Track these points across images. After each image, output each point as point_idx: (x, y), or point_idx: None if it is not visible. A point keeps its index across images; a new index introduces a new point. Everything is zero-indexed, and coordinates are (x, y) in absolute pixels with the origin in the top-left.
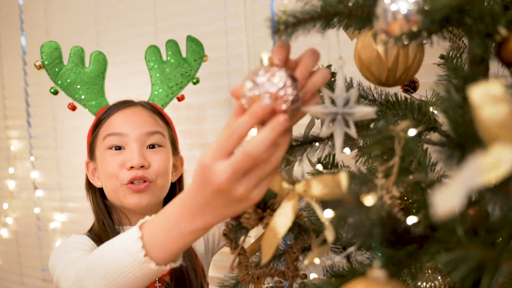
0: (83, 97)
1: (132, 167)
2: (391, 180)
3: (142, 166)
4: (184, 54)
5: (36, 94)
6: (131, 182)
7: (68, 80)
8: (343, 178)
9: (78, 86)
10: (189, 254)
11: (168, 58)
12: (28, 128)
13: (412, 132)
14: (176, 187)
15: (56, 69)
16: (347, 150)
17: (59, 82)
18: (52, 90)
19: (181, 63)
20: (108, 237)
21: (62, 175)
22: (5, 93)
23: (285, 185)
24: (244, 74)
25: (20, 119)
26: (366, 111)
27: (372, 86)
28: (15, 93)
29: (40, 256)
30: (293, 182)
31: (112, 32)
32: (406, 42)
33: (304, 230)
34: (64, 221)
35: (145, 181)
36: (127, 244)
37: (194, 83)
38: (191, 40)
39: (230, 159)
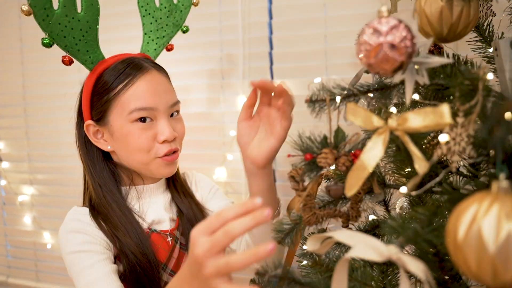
0: (78, 49)
1: (164, 141)
2: (472, 118)
3: (174, 139)
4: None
5: (3, 60)
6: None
7: (62, 30)
8: (445, 109)
9: (73, 37)
10: (200, 210)
11: (161, 4)
12: None
13: (490, 75)
14: None
15: (47, 15)
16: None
17: (51, 31)
18: (45, 41)
19: (173, 11)
20: (107, 205)
21: (32, 146)
22: None
23: (376, 120)
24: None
25: None
26: (440, 60)
27: None
28: None
29: (5, 232)
30: (385, 117)
31: None
32: None
33: None
34: (33, 194)
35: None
36: None
37: (184, 32)
38: None
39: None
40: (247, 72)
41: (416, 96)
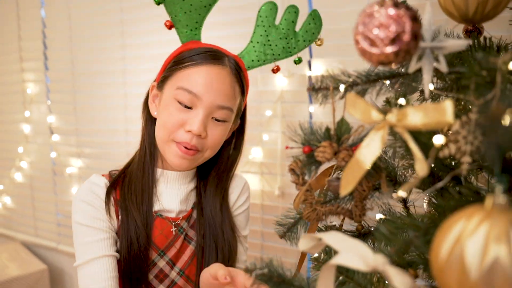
0: (180, 20)
1: (189, 131)
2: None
3: (199, 135)
4: (298, 27)
5: (54, 37)
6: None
7: None
8: (448, 106)
9: (181, 7)
10: (227, 212)
11: (281, 24)
12: (45, 71)
13: None
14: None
15: None
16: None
17: None
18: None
19: (290, 36)
20: (137, 172)
21: (79, 120)
22: (21, 34)
23: (375, 114)
24: None
25: (37, 61)
26: (458, 44)
27: None
28: (32, 34)
29: (55, 201)
30: (384, 111)
31: None
32: None
33: (375, 168)
34: (81, 167)
35: (195, 149)
36: None
37: (296, 63)
38: (313, 16)
39: None
40: None
41: (431, 86)
